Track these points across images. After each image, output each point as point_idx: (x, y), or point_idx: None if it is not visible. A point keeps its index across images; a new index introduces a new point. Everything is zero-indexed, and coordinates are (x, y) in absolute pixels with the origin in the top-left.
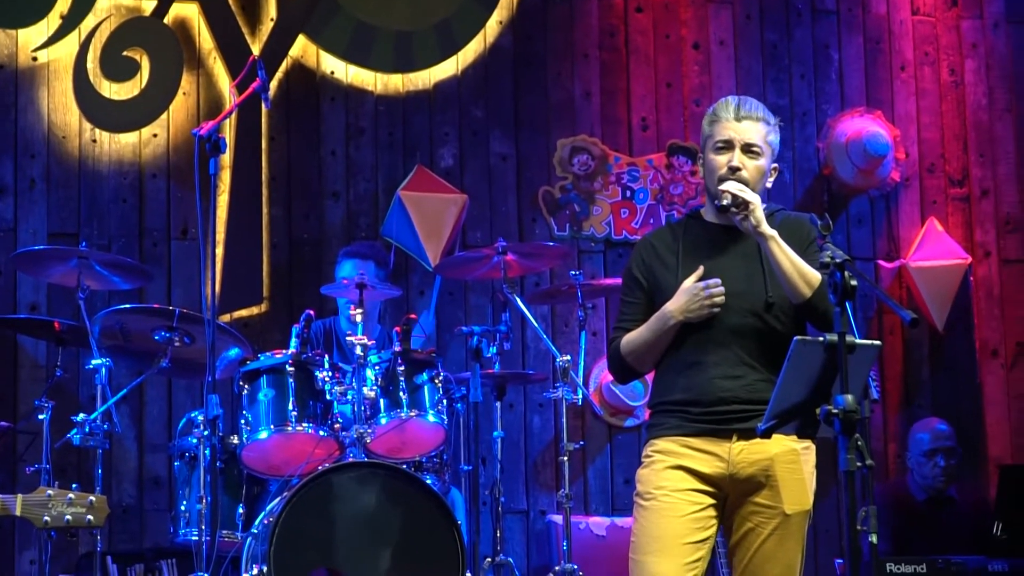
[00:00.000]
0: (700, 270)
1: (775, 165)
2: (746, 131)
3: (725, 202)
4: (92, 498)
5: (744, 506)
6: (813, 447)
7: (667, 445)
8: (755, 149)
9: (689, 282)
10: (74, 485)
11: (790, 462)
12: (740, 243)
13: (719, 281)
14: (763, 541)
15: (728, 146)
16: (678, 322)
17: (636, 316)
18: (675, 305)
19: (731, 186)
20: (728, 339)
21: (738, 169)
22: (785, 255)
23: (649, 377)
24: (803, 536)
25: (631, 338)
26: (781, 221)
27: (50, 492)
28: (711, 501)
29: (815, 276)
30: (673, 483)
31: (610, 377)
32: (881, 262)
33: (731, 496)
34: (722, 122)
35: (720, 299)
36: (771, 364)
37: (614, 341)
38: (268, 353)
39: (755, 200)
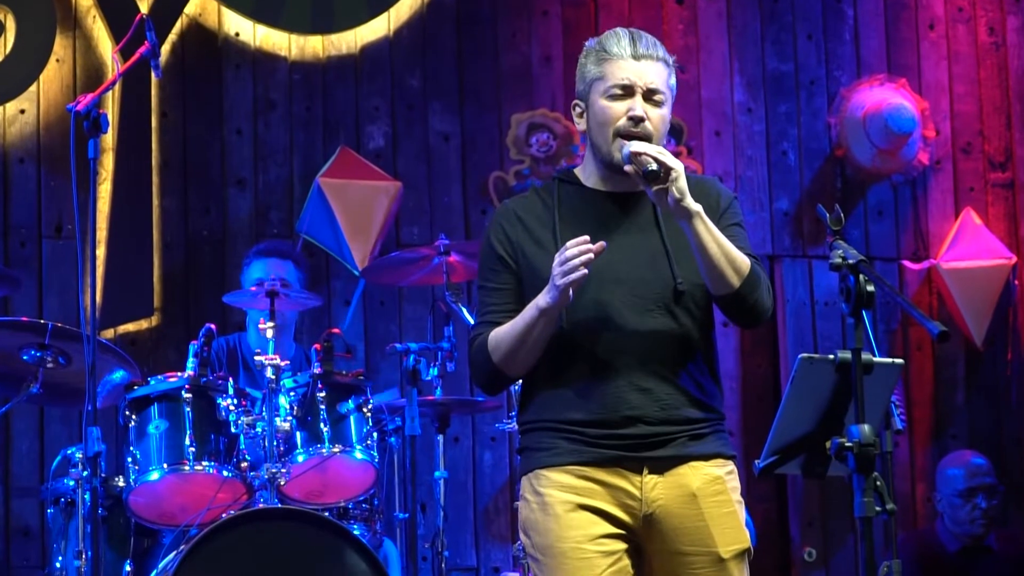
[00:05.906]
0: (585, 239)
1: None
2: (647, 73)
3: (652, 167)
4: None
5: (667, 556)
6: (735, 467)
7: (561, 477)
8: (658, 97)
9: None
10: None
11: (716, 493)
12: (632, 214)
13: (604, 245)
14: None
15: (628, 92)
16: (552, 310)
17: (505, 305)
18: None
19: (646, 147)
20: (630, 340)
21: (642, 120)
22: (712, 236)
23: None
24: None
25: (499, 334)
26: None
27: None
28: (624, 546)
29: (744, 261)
30: (582, 530)
31: None
32: (906, 263)
33: (647, 543)
34: (615, 61)
35: (585, 258)
36: (683, 370)
37: (477, 338)
38: (160, 376)
39: (678, 167)
